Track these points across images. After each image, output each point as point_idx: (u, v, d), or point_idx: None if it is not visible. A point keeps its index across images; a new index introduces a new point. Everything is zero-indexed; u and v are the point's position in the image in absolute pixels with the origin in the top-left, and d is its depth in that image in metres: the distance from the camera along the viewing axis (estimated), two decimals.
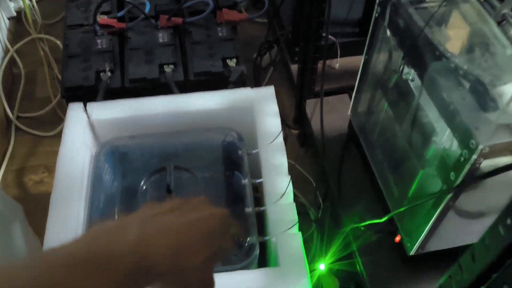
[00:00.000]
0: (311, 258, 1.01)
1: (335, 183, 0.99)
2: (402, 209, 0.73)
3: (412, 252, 0.80)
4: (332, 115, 1.10)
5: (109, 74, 1.10)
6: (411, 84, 0.75)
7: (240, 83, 1.14)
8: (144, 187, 0.81)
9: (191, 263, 0.35)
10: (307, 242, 0.96)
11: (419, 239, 0.76)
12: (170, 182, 0.79)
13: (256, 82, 1.34)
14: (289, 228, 0.73)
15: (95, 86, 1.08)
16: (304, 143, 1.24)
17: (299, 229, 0.74)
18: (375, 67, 0.87)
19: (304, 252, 0.71)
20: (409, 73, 0.74)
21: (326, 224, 1.04)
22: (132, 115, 0.87)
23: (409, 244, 0.80)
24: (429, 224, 0.70)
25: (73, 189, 0.77)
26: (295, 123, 1.27)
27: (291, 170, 0.93)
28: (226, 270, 0.69)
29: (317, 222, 1.06)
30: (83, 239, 0.34)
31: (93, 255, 0.31)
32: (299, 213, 1.04)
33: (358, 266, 0.89)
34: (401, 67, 0.76)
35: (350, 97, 1.15)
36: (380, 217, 0.90)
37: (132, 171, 0.88)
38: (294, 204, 0.77)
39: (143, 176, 0.82)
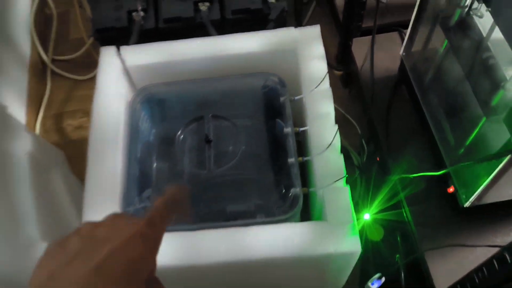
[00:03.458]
0: (354, 205, 0.97)
1: (382, 127, 0.92)
2: (461, 164, 0.67)
3: (467, 204, 0.75)
4: (380, 54, 1.02)
5: (141, 13, 1.04)
6: (479, 22, 0.66)
7: (281, 21, 1.06)
8: (182, 136, 0.78)
9: None
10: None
11: (477, 191, 0.70)
12: (208, 131, 0.76)
13: (297, 19, 1.25)
14: (336, 181, 0.69)
15: (128, 27, 1.03)
16: (347, 84, 1.17)
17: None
18: (435, 1, 0.78)
19: (353, 208, 0.67)
20: (478, 9, 0.65)
21: (371, 171, 1.00)
22: (167, 60, 0.82)
23: (464, 196, 0.75)
24: (490, 177, 0.64)
25: (109, 136, 0.75)
26: (338, 63, 1.19)
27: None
28: (268, 222, 0.66)
29: (360, 168, 1.01)
30: None
31: None
32: None
33: (405, 215, 0.85)
34: (469, 1, 0.66)
35: (401, 35, 1.05)
36: (431, 165, 0.84)
37: (169, 119, 0.84)
38: (341, 156, 0.72)
39: (180, 124, 0.79)
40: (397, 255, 0.86)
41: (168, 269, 0.64)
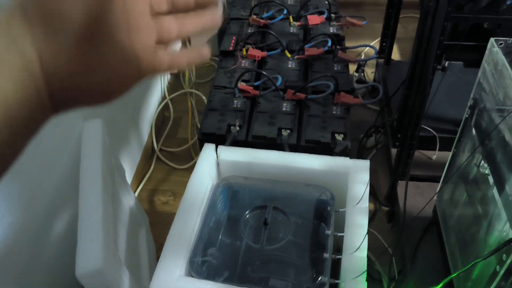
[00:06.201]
0: None
1: (410, 258, 1.09)
2: (454, 275, 0.83)
3: None
4: (421, 198, 1.22)
5: (237, 128, 1.36)
6: (488, 178, 0.87)
7: (343, 155, 1.31)
8: (247, 217, 1.01)
9: None
10: None
11: None
12: (267, 217, 0.98)
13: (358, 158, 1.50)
14: (357, 277, 0.87)
15: (225, 135, 1.35)
16: (391, 220, 1.35)
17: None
18: (461, 160, 1.00)
19: None
20: (486, 168, 0.86)
21: None
22: (249, 161, 1.10)
23: None
24: None
25: (194, 207, 1.00)
26: (386, 201, 1.39)
27: (375, 242, 1.05)
28: None
29: None
30: None
31: None
32: (373, 279, 1.16)
33: None
34: (480, 162, 0.88)
35: None
36: None
37: (239, 205, 1.09)
38: (365, 258, 0.90)
39: (247, 209, 1.03)
40: None
41: None
